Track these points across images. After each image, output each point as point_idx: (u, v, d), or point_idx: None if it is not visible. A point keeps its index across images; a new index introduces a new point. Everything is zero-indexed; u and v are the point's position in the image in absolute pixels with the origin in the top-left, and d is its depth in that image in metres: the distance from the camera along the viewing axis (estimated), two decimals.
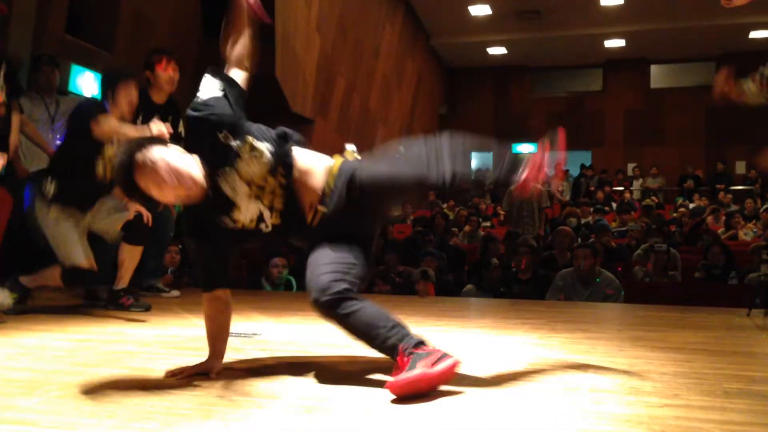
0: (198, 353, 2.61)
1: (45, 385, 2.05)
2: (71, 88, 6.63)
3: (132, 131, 3.68)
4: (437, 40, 17.31)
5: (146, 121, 4.29)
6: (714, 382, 2.19)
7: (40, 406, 1.84)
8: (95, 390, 2.00)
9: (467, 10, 15.27)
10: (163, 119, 4.43)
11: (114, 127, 3.67)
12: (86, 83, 6.95)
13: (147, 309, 3.95)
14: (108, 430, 1.63)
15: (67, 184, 3.66)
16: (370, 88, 13.91)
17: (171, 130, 4.04)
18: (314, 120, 11.10)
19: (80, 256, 3.67)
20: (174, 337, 3.04)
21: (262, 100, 9.33)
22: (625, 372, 2.33)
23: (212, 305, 2.31)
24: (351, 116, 13.04)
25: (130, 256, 4.02)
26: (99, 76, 7.14)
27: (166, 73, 4.50)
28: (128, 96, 3.85)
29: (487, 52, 18.13)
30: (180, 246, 5.56)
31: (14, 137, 4.49)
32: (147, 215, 3.96)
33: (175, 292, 4.78)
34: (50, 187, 3.63)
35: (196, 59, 7.97)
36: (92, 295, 4.34)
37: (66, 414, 1.76)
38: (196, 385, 2.07)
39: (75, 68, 6.73)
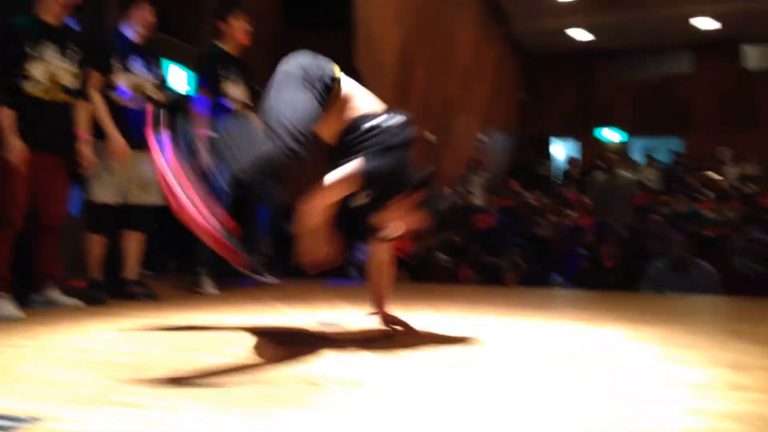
0: (290, 341, 2.66)
1: (148, 370, 2.14)
2: None
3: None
4: (517, 26, 16.99)
5: (225, 74, 4.33)
6: None
7: (145, 389, 1.91)
8: (195, 375, 2.07)
9: None
10: (246, 75, 4.48)
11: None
12: (175, 77, 7.19)
13: (152, 297, 3.98)
14: (208, 415, 1.68)
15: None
16: (449, 77, 13.81)
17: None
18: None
19: (105, 193, 3.83)
20: (267, 325, 3.11)
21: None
22: (727, 366, 2.24)
23: None
24: (430, 106, 12.99)
25: (135, 244, 4.08)
26: (187, 70, 7.38)
27: (240, 24, 4.40)
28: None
29: (569, 37, 17.70)
30: None
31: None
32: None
33: (274, 280, 4.70)
34: None
35: (278, 51, 8.09)
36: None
37: (169, 397, 1.83)
38: (290, 373, 2.11)
39: (166, 63, 6.95)
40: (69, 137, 3.58)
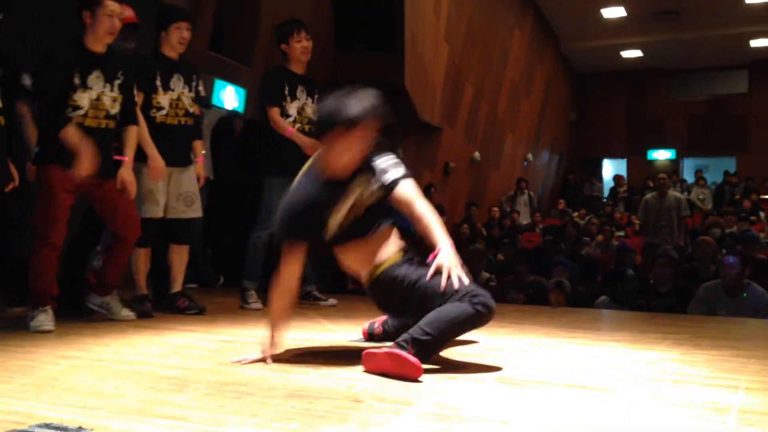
0: (334, 357, 2.68)
1: (194, 383, 2.18)
2: (214, 101, 7.01)
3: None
4: (568, 45, 16.88)
5: (292, 92, 4.42)
6: None
7: (190, 402, 1.95)
8: (239, 389, 2.10)
9: (600, 13, 14.81)
10: (309, 92, 4.56)
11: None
12: (228, 97, 7.33)
13: (201, 312, 4.00)
14: (252, 429, 1.70)
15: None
16: (499, 95, 13.78)
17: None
18: (442, 128, 11.14)
19: (152, 209, 3.90)
20: (311, 341, 3.13)
21: (392, 109, 9.51)
22: None
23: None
24: (479, 124, 12.97)
25: (179, 257, 4.11)
26: (240, 90, 7.52)
27: (300, 44, 4.46)
28: (180, 33, 3.99)
29: (620, 56, 17.50)
30: None
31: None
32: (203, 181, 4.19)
33: (333, 301, 4.65)
34: None
35: (330, 71, 8.21)
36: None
37: (214, 411, 1.86)
38: (332, 389, 2.12)
39: (218, 83, 7.11)
40: (111, 161, 3.65)
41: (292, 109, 4.48)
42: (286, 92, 4.42)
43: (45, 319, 3.28)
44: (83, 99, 3.47)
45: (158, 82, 3.98)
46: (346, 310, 4.33)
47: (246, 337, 3.20)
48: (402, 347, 2.33)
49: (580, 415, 1.87)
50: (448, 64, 11.05)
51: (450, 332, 2.45)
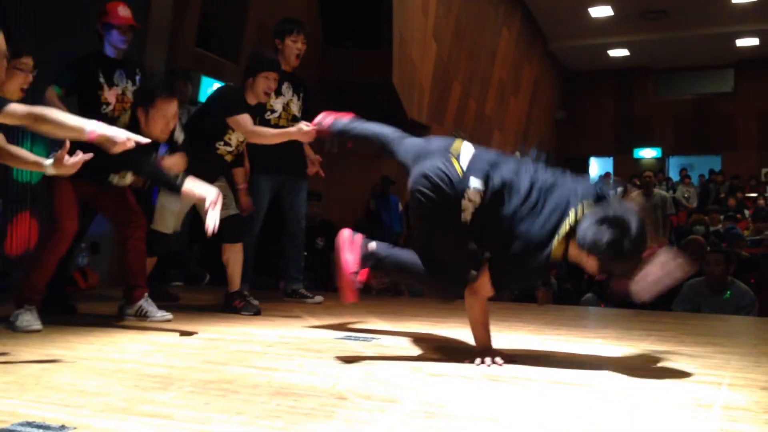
0: (319, 355, 2.68)
1: (179, 381, 2.17)
2: (201, 98, 6.97)
3: (263, 135, 3.92)
4: (555, 43, 16.94)
5: (278, 88, 4.40)
6: None
7: (174, 400, 1.94)
8: (224, 387, 2.09)
9: (587, 12, 14.88)
10: (296, 90, 4.59)
11: (247, 127, 3.88)
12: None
13: (257, 313, 3.98)
14: (238, 427, 1.70)
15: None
16: (486, 93, 13.80)
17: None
18: (430, 126, 11.14)
19: (164, 224, 3.93)
20: (296, 338, 3.13)
21: (379, 107, 9.49)
22: (762, 389, 2.20)
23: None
24: (467, 122, 12.99)
25: (234, 256, 4.08)
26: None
27: (295, 45, 4.53)
28: (267, 83, 3.97)
29: (607, 55, 17.58)
30: None
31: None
32: (247, 209, 4.15)
33: (319, 298, 4.64)
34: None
35: (318, 67, 8.20)
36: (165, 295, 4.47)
37: (198, 409, 1.85)
38: (318, 387, 2.12)
39: (205, 80, 7.07)
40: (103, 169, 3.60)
41: (278, 104, 4.48)
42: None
43: (32, 318, 3.23)
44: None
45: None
46: (333, 308, 4.33)
47: (231, 335, 3.20)
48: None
49: (566, 412, 1.87)
50: (436, 62, 11.06)
51: (402, 271, 2.67)
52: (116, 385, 2.11)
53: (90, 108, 3.98)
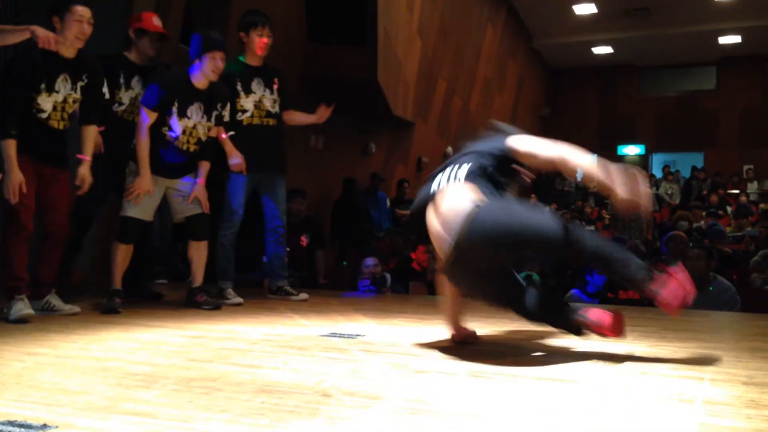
0: (304, 352, 2.67)
1: (162, 379, 2.16)
2: None
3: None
4: (540, 41, 17.00)
5: (246, 84, 4.46)
6: None
7: (158, 398, 1.93)
8: (208, 385, 2.08)
9: (571, 10, 14.94)
10: (267, 83, 4.56)
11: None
12: None
13: (217, 308, 4.04)
14: (221, 424, 1.69)
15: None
16: (471, 90, 13.82)
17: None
18: (415, 123, 11.15)
19: (134, 209, 3.97)
20: (281, 336, 3.12)
21: (364, 104, 9.48)
22: (743, 384, 2.21)
23: None
24: (451, 119, 13.00)
25: (198, 253, 4.16)
26: None
27: (260, 39, 4.50)
28: (214, 63, 4.04)
29: (591, 52, 17.66)
30: None
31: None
32: (207, 208, 4.18)
33: (304, 295, 4.64)
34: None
35: (302, 64, 8.17)
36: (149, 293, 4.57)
37: (182, 407, 1.84)
38: (302, 384, 2.11)
39: None
40: (62, 155, 3.76)
41: (248, 103, 4.46)
42: (240, 88, 4.41)
43: (23, 305, 3.36)
44: (47, 103, 3.58)
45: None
46: (317, 305, 4.32)
47: (215, 333, 3.19)
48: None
49: (550, 407, 1.88)
50: (421, 59, 11.05)
51: None
52: (99, 384, 2.09)
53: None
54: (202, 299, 4.08)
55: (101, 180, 4.03)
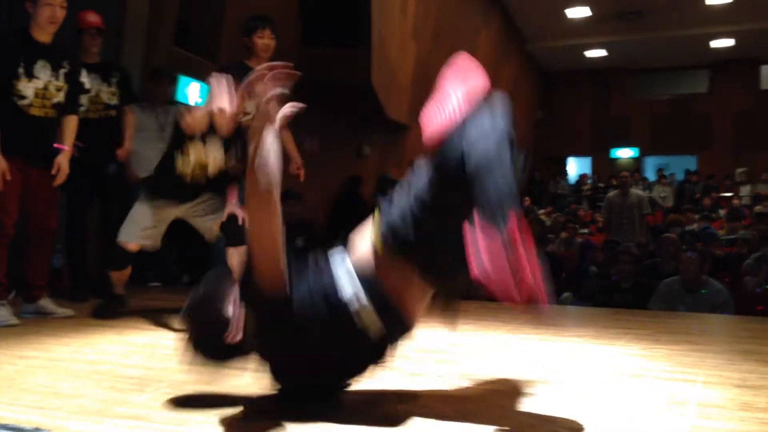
0: None
1: (156, 383, 2.15)
2: (179, 98, 6.92)
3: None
4: (533, 44, 17.04)
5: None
6: None
7: (151, 402, 1.93)
8: (203, 388, 2.08)
9: (564, 13, 14.98)
10: None
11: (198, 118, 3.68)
12: (193, 93, 7.26)
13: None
14: (216, 427, 1.69)
15: (158, 176, 3.74)
16: None
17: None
18: (409, 126, 11.16)
19: (130, 234, 3.66)
20: None
21: (359, 108, 9.48)
22: (736, 386, 2.22)
23: None
24: None
25: (238, 259, 4.10)
26: (205, 86, 7.44)
27: (261, 41, 4.50)
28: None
29: (585, 55, 17.72)
30: None
31: (128, 143, 4.70)
32: (242, 216, 4.04)
33: None
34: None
35: (296, 68, 8.16)
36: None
37: (176, 410, 1.84)
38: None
39: (183, 79, 7.02)
40: (52, 150, 3.70)
41: (252, 107, 4.47)
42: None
43: (6, 313, 3.35)
44: (28, 89, 3.52)
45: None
46: None
47: None
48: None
49: (542, 410, 1.88)
50: (415, 62, 11.07)
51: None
52: (92, 387, 2.09)
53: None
54: None
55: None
